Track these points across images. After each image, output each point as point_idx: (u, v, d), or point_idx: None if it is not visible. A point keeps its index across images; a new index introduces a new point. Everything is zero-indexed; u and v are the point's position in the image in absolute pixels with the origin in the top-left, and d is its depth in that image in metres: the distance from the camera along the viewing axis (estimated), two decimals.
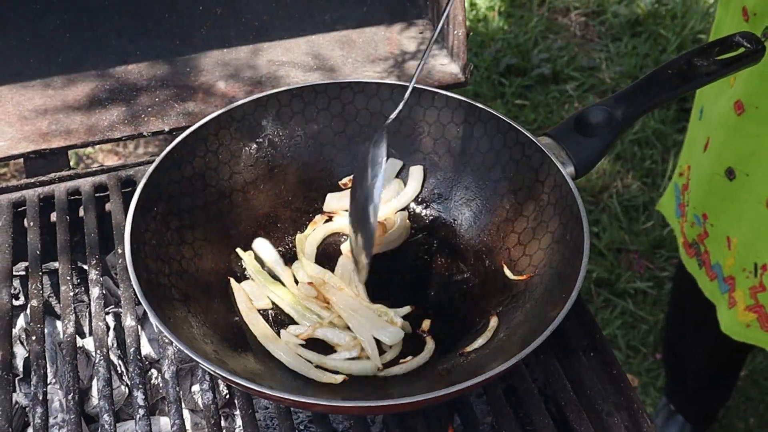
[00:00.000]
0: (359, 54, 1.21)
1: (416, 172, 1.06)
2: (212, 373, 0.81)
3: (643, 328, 2.38)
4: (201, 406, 1.02)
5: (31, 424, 0.98)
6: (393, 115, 0.94)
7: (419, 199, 1.07)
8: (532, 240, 0.96)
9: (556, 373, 0.91)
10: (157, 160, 0.96)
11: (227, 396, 1.02)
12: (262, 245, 1.01)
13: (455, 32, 1.17)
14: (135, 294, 1.00)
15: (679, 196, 1.60)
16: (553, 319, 0.82)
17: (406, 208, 1.06)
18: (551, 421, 0.87)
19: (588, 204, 2.64)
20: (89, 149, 2.25)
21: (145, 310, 1.05)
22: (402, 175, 1.08)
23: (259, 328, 0.92)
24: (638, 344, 2.35)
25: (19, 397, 0.98)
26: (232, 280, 0.97)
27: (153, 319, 0.81)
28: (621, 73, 2.99)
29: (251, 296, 0.95)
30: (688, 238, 1.56)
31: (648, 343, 2.34)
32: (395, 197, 1.05)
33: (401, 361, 0.90)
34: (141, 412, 0.91)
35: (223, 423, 0.94)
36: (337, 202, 1.04)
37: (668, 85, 1.00)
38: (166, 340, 0.96)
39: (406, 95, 0.93)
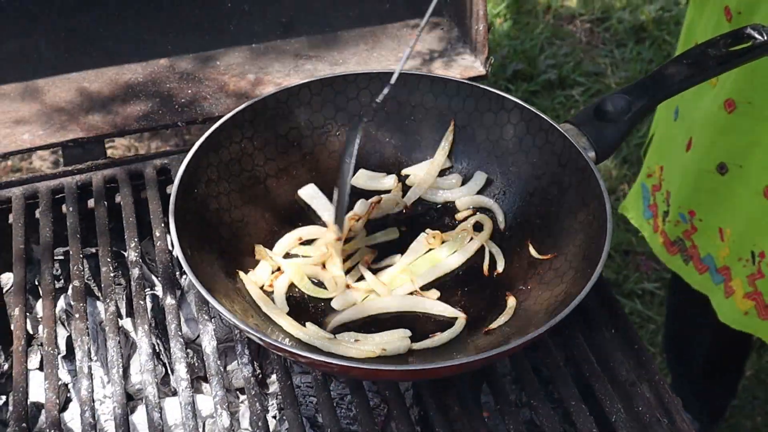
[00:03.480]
0: (383, 49, 1.26)
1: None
2: (258, 340, 0.86)
3: (651, 328, 2.42)
4: (237, 384, 1.07)
5: (75, 397, 1.03)
6: (379, 98, 1.00)
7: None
8: (557, 222, 1.01)
9: (581, 347, 0.96)
10: (196, 145, 1.01)
11: (260, 375, 1.07)
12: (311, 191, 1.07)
13: (476, 27, 1.22)
14: (173, 275, 1.05)
15: (648, 197, 1.65)
16: (576, 295, 0.87)
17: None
18: (577, 391, 0.92)
19: None
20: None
21: (182, 291, 1.11)
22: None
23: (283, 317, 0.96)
24: (647, 344, 2.39)
25: (62, 374, 1.02)
26: (240, 273, 1.00)
27: (200, 289, 0.86)
28: (626, 78, 3.05)
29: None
30: (670, 237, 1.59)
31: (656, 343, 2.39)
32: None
33: (432, 335, 0.95)
34: (183, 384, 0.95)
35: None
36: (366, 182, 1.10)
37: (683, 75, 1.06)
38: (206, 318, 1.00)
39: (393, 79, 0.99)
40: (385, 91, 1.00)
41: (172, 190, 0.96)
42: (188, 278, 1.11)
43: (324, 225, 1.07)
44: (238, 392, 1.08)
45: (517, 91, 3.02)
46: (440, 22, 1.32)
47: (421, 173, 1.12)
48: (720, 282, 1.53)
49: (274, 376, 1.05)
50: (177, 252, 0.89)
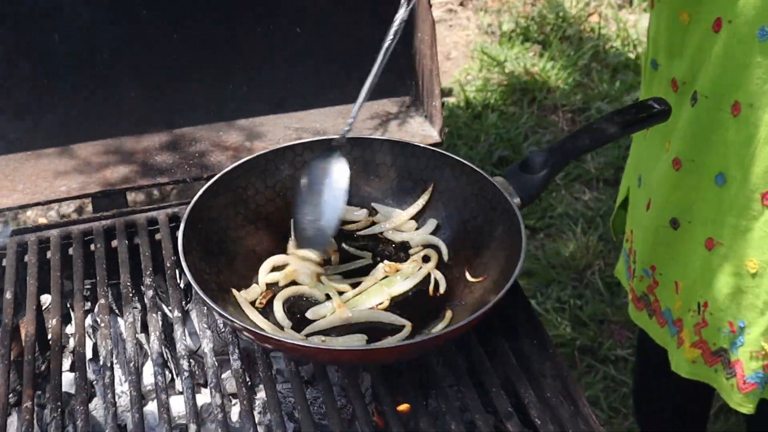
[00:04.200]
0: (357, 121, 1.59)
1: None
2: (240, 327, 1.14)
3: (623, 391, 2.67)
4: (230, 389, 1.34)
5: (99, 392, 1.31)
6: (341, 134, 1.31)
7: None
8: (487, 251, 1.31)
9: (503, 349, 1.24)
10: (201, 191, 1.32)
11: (249, 383, 1.34)
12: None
13: (432, 103, 1.55)
14: (180, 300, 1.34)
15: (627, 259, 1.82)
16: (490, 300, 1.16)
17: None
18: (497, 380, 1.20)
19: (572, 280, 2.98)
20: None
21: (187, 312, 1.40)
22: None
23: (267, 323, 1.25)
24: (619, 405, 2.64)
25: (88, 373, 1.31)
26: (233, 291, 1.29)
27: (201, 294, 1.15)
28: (605, 163, 3.38)
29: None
30: (637, 293, 1.76)
31: (628, 405, 2.63)
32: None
33: (383, 339, 1.24)
34: (188, 383, 1.23)
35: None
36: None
37: (593, 137, 1.37)
38: (207, 332, 1.29)
39: (354, 111, 1.30)
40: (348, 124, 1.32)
41: (181, 223, 1.27)
42: (191, 301, 1.41)
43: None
44: (230, 396, 1.35)
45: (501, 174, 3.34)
46: (405, 101, 1.65)
47: (394, 220, 1.43)
48: (675, 334, 1.68)
49: (261, 386, 1.33)
50: (183, 265, 1.19)
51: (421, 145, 1.44)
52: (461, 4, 4.47)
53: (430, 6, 1.63)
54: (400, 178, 1.44)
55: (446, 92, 3.84)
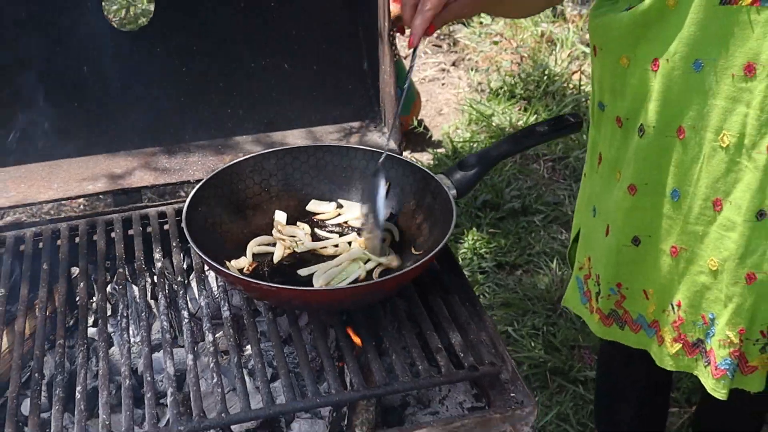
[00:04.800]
0: (334, 137, 2.00)
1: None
2: (224, 273, 1.53)
3: (591, 408, 3.01)
4: (222, 347, 1.71)
5: (116, 342, 1.69)
6: (381, 159, 1.71)
7: None
8: (427, 231, 1.70)
9: (439, 304, 1.62)
10: (201, 182, 1.73)
11: (239, 341, 1.72)
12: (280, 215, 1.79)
13: (393, 123, 1.96)
14: (183, 273, 1.73)
15: (582, 286, 2.03)
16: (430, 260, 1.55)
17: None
18: (432, 326, 1.58)
19: (547, 310, 3.34)
20: None
21: (188, 281, 1.79)
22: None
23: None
24: (587, 421, 2.97)
25: (108, 327, 1.69)
26: (226, 262, 1.68)
27: (199, 254, 1.55)
28: None
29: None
30: (605, 311, 1.97)
31: None
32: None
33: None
34: (189, 338, 1.61)
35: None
36: (315, 207, 1.81)
37: (517, 144, 1.77)
38: (204, 298, 1.68)
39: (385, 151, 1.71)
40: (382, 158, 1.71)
41: (185, 206, 1.67)
42: (191, 275, 1.80)
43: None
44: (222, 353, 1.73)
45: (485, 217, 3.74)
46: (374, 122, 2.07)
47: (356, 211, 1.83)
48: (653, 334, 1.88)
49: (248, 346, 1.70)
50: (186, 233, 1.59)
51: (379, 151, 1.85)
52: (453, 64, 4.93)
53: (393, 49, 2.05)
54: (362, 178, 1.84)
55: (436, 144, 4.27)
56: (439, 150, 4.18)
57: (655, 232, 1.78)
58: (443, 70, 4.90)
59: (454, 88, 4.75)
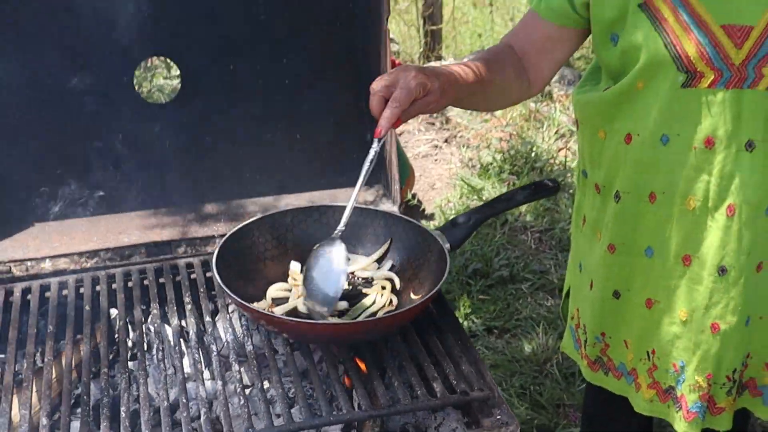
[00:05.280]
0: (340, 199, 2.33)
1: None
2: (243, 306, 1.83)
3: None
4: (246, 380, 2.00)
5: (152, 367, 1.97)
6: (341, 226, 2.01)
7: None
8: (424, 279, 2.01)
9: (434, 341, 1.92)
10: (227, 235, 2.04)
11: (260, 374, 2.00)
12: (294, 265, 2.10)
13: (395, 187, 2.29)
14: (210, 313, 2.03)
15: (574, 334, 2.25)
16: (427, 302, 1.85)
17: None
18: (430, 360, 1.87)
19: (533, 371, 3.63)
20: None
21: (215, 321, 2.08)
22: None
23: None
24: None
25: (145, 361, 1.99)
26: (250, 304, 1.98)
27: (227, 292, 1.85)
28: (564, 275, 4.09)
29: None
30: (591, 358, 2.16)
31: None
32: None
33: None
34: (218, 371, 1.90)
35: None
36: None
37: (500, 204, 2.10)
38: (228, 333, 1.97)
39: (345, 218, 1.98)
40: (344, 219, 1.99)
41: (214, 256, 1.98)
42: (217, 316, 2.09)
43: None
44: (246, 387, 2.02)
45: (475, 285, 4.05)
46: (375, 186, 2.40)
47: (361, 262, 2.13)
48: (632, 381, 2.07)
49: (269, 378, 1.99)
50: (215, 277, 1.89)
51: (383, 210, 2.17)
52: (446, 141, 5.30)
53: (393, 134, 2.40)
54: (369, 234, 2.16)
55: (429, 216, 4.61)
56: (432, 222, 4.51)
57: (632, 286, 2.00)
58: (436, 146, 5.27)
59: (447, 164, 5.11)
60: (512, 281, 4.10)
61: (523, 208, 4.55)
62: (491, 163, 4.92)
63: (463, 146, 5.22)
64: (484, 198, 4.62)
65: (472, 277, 4.12)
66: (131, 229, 2.23)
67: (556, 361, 3.65)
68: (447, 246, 2.05)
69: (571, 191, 4.68)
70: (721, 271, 1.86)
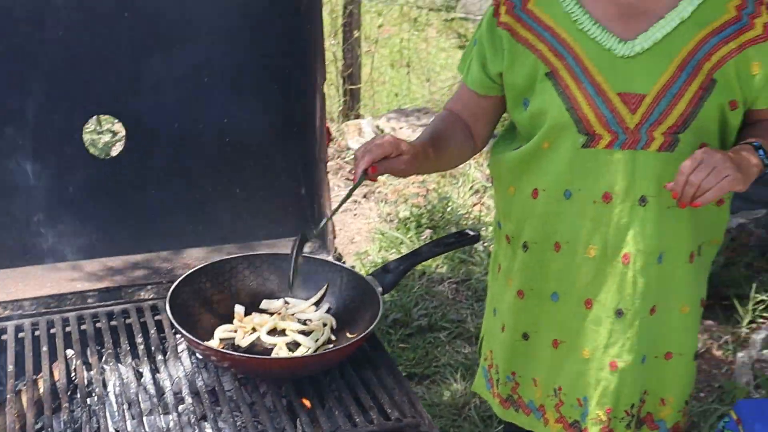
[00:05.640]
0: (278, 248, 2.57)
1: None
2: (196, 344, 2.05)
3: None
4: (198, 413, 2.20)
5: (108, 403, 2.17)
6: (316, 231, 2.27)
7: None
8: (359, 319, 2.26)
9: (369, 375, 2.17)
10: (176, 282, 2.26)
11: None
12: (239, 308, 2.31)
13: (329, 238, 2.55)
14: (161, 353, 2.23)
15: (487, 374, 2.42)
16: (363, 340, 2.11)
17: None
18: (365, 391, 2.12)
19: (452, 415, 3.89)
20: None
21: (166, 356, 2.29)
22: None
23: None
24: None
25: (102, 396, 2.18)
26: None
27: (182, 332, 2.07)
28: (481, 323, 4.38)
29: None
30: (503, 396, 2.34)
31: None
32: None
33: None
34: (173, 406, 2.11)
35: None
36: (267, 305, 2.35)
37: (427, 251, 2.37)
38: (179, 372, 2.19)
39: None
40: (321, 224, 2.23)
41: (167, 300, 2.19)
42: (168, 355, 2.30)
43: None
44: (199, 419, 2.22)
45: (395, 334, 4.31)
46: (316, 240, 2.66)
47: (301, 306, 2.37)
48: (540, 417, 2.26)
49: (220, 410, 2.20)
50: (169, 315, 2.11)
51: (321, 258, 2.43)
52: (365, 197, 5.58)
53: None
54: (307, 280, 2.41)
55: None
56: None
57: (540, 328, 2.21)
58: (355, 201, 5.54)
59: (365, 219, 5.38)
60: (431, 330, 4.36)
61: (440, 260, 4.85)
62: (408, 218, 5.21)
63: (381, 201, 5.51)
64: (402, 251, 4.90)
65: (392, 326, 4.37)
66: (83, 276, 2.43)
67: (474, 405, 3.91)
68: (380, 289, 2.31)
69: (485, 244, 5.00)
70: (618, 313, 2.08)
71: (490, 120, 2.26)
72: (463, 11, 7.14)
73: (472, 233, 2.43)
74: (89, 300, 2.40)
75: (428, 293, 4.62)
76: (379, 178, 5.78)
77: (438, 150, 2.14)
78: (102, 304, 2.40)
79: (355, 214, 5.45)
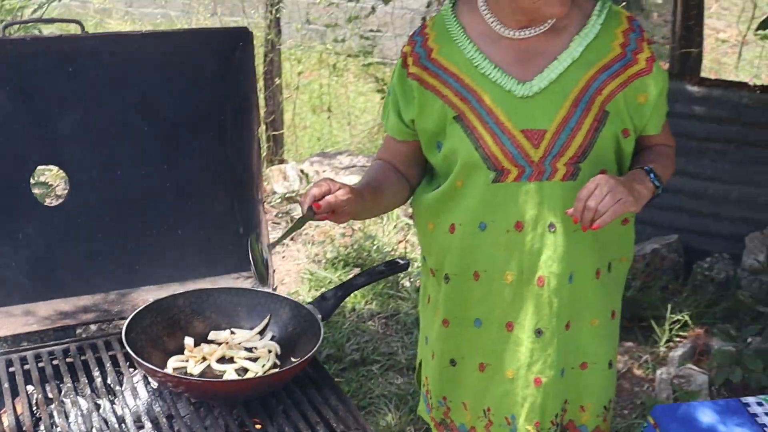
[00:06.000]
0: (220, 284, 2.80)
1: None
2: (153, 371, 2.26)
3: None
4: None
5: None
6: (276, 243, 2.50)
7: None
8: (302, 344, 2.49)
9: (315, 395, 2.40)
10: (127, 320, 2.46)
11: None
12: (189, 340, 2.51)
13: (269, 273, 2.78)
14: (116, 385, 2.43)
15: (426, 399, 2.58)
16: (305, 363, 2.34)
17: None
18: (312, 409, 2.35)
19: None
20: None
21: (123, 390, 2.49)
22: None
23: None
24: None
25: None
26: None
27: (138, 359, 2.27)
28: (412, 354, 4.63)
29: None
30: (437, 420, 2.50)
31: None
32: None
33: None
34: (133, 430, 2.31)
35: None
36: (215, 336, 2.57)
37: (361, 280, 2.62)
38: (133, 403, 2.39)
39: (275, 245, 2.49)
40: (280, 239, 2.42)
41: (123, 334, 2.39)
42: (123, 388, 2.50)
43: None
44: None
45: (330, 369, 4.53)
46: (251, 275, 2.88)
47: (247, 335, 2.59)
48: None
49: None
50: (126, 345, 2.31)
51: (263, 290, 2.66)
52: (292, 239, 5.82)
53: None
54: (252, 312, 2.63)
55: None
56: None
57: (466, 354, 2.38)
58: (284, 244, 5.77)
59: (294, 260, 5.61)
60: (363, 363, 4.59)
61: (370, 296, 5.10)
62: (336, 257, 5.46)
63: (309, 243, 5.74)
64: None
65: (326, 361, 4.59)
66: (38, 319, 2.62)
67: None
68: (319, 317, 2.54)
69: (411, 279, 5.27)
70: (538, 332, 2.27)
71: (417, 162, 2.43)
72: (380, 56, 7.49)
73: (402, 261, 2.68)
74: (45, 339, 2.58)
75: (359, 329, 4.86)
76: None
77: (375, 192, 2.32)
78: (57, 342, 2.58)
79: (283, 257, 5.67)
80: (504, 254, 2.26)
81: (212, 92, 2.83)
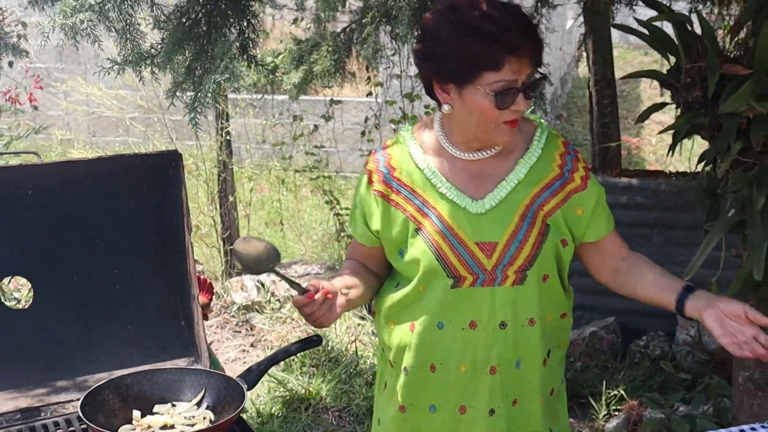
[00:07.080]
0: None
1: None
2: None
3: None
4: None
5: None
6: (284, 281, 3.14)
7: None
8: (230, 409, 3.13)
9: None
10: (84, 395, 3.10)
11: None
12: (136, 413, 3.15)
13: (204, 355, 3.44)
14: None
15: None
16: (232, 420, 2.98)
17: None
18: None
19: None
20: None
21: None
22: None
23: None
24: None
25: None
26: None
27: (95, 427, 2.91)
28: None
29: None
30: None
31: None
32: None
33: None
34: None
35: None
36: (158, 409, 3.21)
37: (281, 354, 3.28)
38: None
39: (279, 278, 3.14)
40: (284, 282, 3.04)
41: (79, 408, 3.03)
42: None
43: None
44: None
45: None
46: (188, 356, 3.54)
47: (185, 406, 3.23)
48: None
49: None
50: (86, 422, 2.95)
51: (198, 368, 3.31)
52: (252, 345, 6.46)
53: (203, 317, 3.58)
54: (189, 386, 3.28)
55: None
56: (244, 413, 5.58)
57: None
58: (243, 350, 6.40)
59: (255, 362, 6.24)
60: None
61: (324, 392, 5.72)
62: (293, 359, 6.09)
63: (267, 348, 6.38)
64: (289, 388, 5.75)
65: None
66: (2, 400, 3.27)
67: None
68: (245, 386, 3.19)
69: (365, 376, 5.89)
70: (491, 412, 2.67)
71: (383, 261, 2.80)
72: (331, 169, 8.26)
73: (315, 338, 3.34)
74: (13, 419, 3.21)
75: (314, 422, 5.47)
76: (262, 326, 6.69)
77: (350, 287, 2.68)
78: (20, 422, 3.21)
79: (244, 362, 6.31)
80: (459, 349, 2.62)
81: (153, 204, 3.54)
